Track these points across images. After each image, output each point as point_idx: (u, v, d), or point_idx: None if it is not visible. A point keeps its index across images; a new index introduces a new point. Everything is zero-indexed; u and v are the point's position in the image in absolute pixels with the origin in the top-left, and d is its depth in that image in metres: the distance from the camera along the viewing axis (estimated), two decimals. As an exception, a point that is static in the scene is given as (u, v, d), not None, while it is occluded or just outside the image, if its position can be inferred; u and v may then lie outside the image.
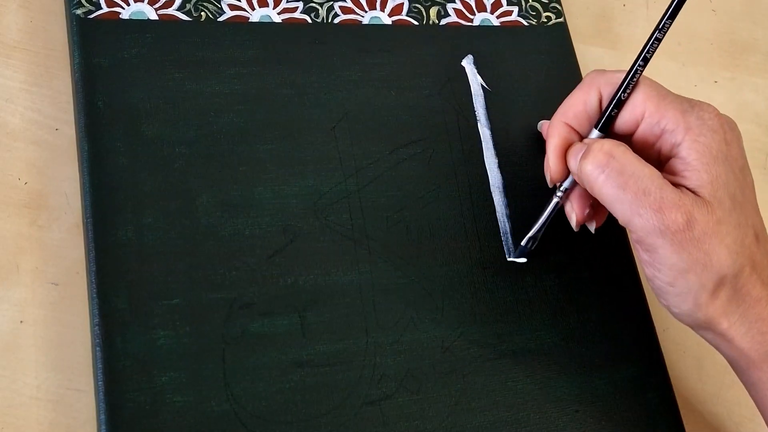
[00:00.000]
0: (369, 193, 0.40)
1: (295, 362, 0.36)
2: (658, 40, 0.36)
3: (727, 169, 0.34)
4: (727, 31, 0.57)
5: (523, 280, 0.41)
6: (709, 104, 0.36)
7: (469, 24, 0.46)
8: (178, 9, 0.41)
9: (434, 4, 0.46)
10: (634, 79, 0.36)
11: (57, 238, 0.38)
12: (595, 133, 0.38)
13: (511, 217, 0.42)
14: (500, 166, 0.43)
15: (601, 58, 0.52)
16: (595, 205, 0.39)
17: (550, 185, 0.40)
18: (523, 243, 0.41)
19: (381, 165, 0.41)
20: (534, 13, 0.48)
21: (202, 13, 0.41)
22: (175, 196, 0.37)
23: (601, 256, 0.43)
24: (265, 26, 0.42)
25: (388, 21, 0.45)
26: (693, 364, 0.46)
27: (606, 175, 0.34)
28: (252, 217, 0.38)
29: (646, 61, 0.36)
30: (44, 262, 0.37)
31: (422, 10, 0.45)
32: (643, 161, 0.34)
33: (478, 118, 0.44)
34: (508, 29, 0.47)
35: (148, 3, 0.40)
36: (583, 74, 0.47)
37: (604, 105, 0.37)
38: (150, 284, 0.35)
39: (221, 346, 0.35)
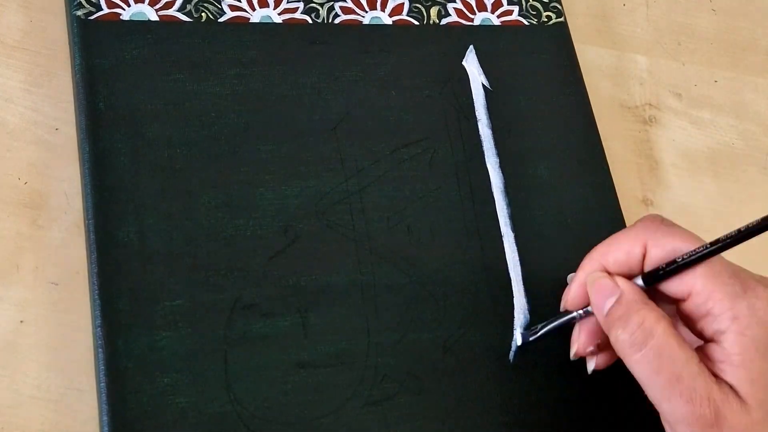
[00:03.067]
0: (370, 194, 0.40)
1: (296, 363, 0.36)
2: (734, 243, 0.33)
3: None
4: (727, 31, 0.57)
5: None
6: (766, 289, 0.32)
7: (470, 23, 0.46)
8: (179, 10, 0.41)
9: (435, 3, 0.46)
10: (695, 259, 0.33)
11: (57, 237, 0.38)
12: (638, 282, 0.35)
13: (513, 216, 0.42)
14: (501, 166, 0.43)
15: (601, 58, 0.51)
16: (602, 347, 0.36)
17: (561, 309, 0.37)
18: (528, 336, 0.39)
19: (382, 165, 0.41)
20: (534, 13, 0.48)
21: (203, 14, 0.41)
22: (176, 197, 0.37)
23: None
24: (266, 27, 0.42)
25: (388, 21, 0.44)
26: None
27: (642, 355, 0.32)
28: (253, 218, 0.38)
29: (713, 253, 0.33)
30: (44, 262, 0.37)
31: (423, 9, 0.45)
32: (682, 340, 0.32)
33: (479, 118, 0.44)
34: (508, 28, 0.47)
35: (149, 4, 0.40)
36: (584, 74, 0.47)
37: (648, 261, 0.34)
38: (151, 285, 0.35)
39: (223, 347, 0.35)
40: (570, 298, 0.36)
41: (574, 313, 0.36)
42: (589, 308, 0.36)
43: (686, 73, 0.54)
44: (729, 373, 0.32)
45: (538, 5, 0.48)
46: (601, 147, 0.46)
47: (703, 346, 0.33)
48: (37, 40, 0.41)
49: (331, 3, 0.44)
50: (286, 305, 0.37)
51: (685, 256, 0.33)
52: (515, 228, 0.42)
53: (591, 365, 0.37)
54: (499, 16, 0.47)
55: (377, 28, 0.44)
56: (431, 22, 0.45)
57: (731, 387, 0.31)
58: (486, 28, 0.46)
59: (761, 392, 0.31)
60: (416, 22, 0.45)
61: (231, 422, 0.34)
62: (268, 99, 0.40)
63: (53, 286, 0.37)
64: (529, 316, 0.41)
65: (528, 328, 0.40)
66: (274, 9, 0.43)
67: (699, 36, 0.56)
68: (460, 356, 0.39)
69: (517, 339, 0.40)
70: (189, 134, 0.38)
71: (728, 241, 0.32)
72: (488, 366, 0.39)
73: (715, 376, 0.32)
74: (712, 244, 0.33)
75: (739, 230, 0.32)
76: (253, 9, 0.42)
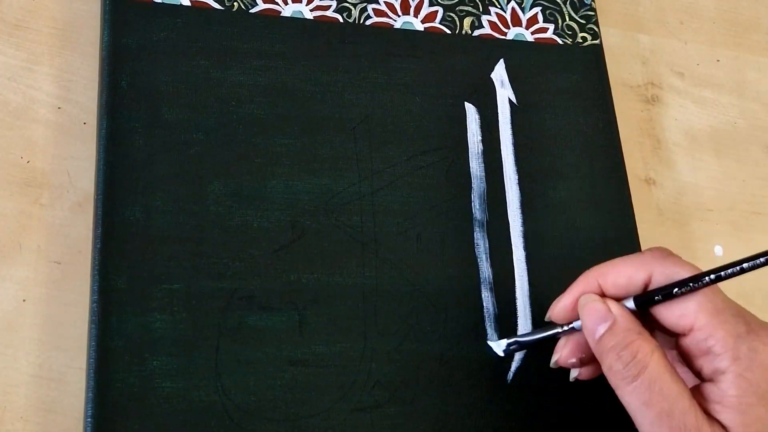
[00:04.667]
0: (382, 198, 0.40)
1: (289, 360, 0.35)
2: (741, 271, 0.32)
3: None
4: (729, 10, 0.56)
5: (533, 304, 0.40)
6: None
7: (502, 37, 0.45)
8: (211, -4, 0.41)
9: (469, 14, 0.45)
10: (694, 286, 0.32)
11: (59, 216, 0.38)
12: (629, 304, 0.34)
13: (526, 235, 0.42)
14: (520, 182, 0.42)
15: (603, 37, 0.49)
16: (585, 361, 0.35)
17: (546, 319, 0.36)
18: (506, 341, 0.38)
19: (397, 170, 0.41)
20: (570, 33, 0.47)
21: (235, 3, 0.41)
22: (187, 181, 0.37)
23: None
24: (296, 21, 0.42)
25: (420, 27, 0.44)
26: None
27: (633, 387, 0.31)
28: (262, 210, 0.38)
29: (718, 279, 0.32)
30: (47, 241, 0.37)
31: (456, 19, 0.45)
32: (675, 374, 0.32)
33: (501, 132, 0.43)
34: (541, 46, 0.46)
35: (182, -12, 0.40)
36: (615, 99, 0.47)
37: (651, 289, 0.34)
38: (152, 267, 0.35)
39: (216, 335, 0.35)
40: (557, 309, 0.35)
41: (559, 329, 0.36)
42: (573, 325, 0.35)
43: (689, 52, 0.53)
44: (723, 414, 0.31)
45: (575, 26, 0.47)
46: (624, 172, 0.45)
47: (699, 385, 0.33)
48: (39, 19, 0.41)
49: (364, 4, 0.43)
50: (285, 301, 0.36)
51: (682, 285, 0.32)
52: (527, 247, 0.41)
53: (574, 374, 0.36)
54: (533, 33, 0.46)
55: (408, 33, 0.44)
56: (463, 32, 0.45)
57: (723, 427, 0.31)
58: (518, 44, 0.45)
59: None
60: (448, 31, 0.44)
61: (216, 412, 0.34)
62: (289, 93, 0.40)
63: (56, 265, 0.37)
64: (533, 338, 0.40)
65: (508, 338, 0.38)
66: (307, 5, 0.42)
67: (701, 15, 0.55)
68: (457, 371, 0.38)
69: (498, 351, 0.38)
70: (207, 120, 0.38)
71: (728, 272, 0.32)
72: (484, 384, 0.38)
73: (708, 415, 0.31)
74: (709, 272, 0.32)
75: (742, 267, 0.32)
76: (286, 3, 0.42)
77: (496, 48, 0.45)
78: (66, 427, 0.34)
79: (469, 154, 0.42)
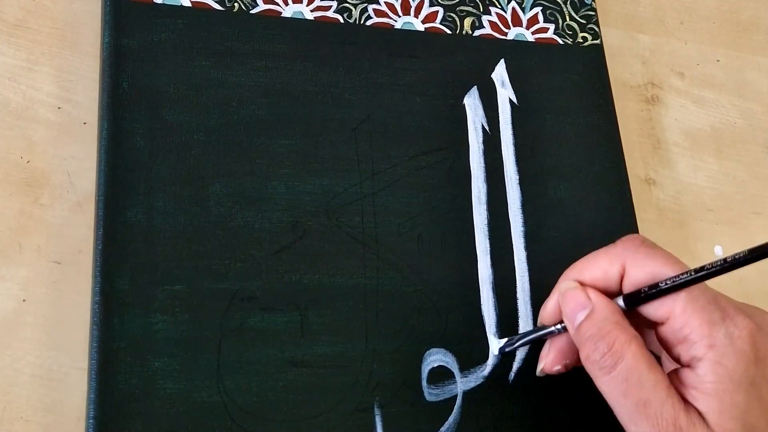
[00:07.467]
0: (384, 198, 0.40)
1: (290, 361, 0.35)
2: (720, 272, 0.32)
3: (751, 396, 0.31)
4: (730, 10, 0.56)
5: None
6: (745, 318, 0.31)
7: (503, 37, 0.45)
8: (212, -3, 0.41)
9: (469, 14, 0.45)
10: (679, 285, 0.32)
11: (59, 216, 0.37)
12: (620, 302, 0.34)
13: (527, 235, 0.42)
14: (521, 182, 0.43)
15: (603, 37, 0.49)
16: (569, 367, 0.36)
17: (537, 324, 0.37)
18: (499, 345, 0.39)
19: (399, 170, 0.41)
20: (570, 32, 0.47)
21: (235, 4, 0.41)
22: (188, 182, 0.37)
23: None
24: (297, 22, 0.42)
25: (420, 27, 0.44)
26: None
27: (610, 378, 0.32)
28: (263, 211, 0.38)
29: (696, 281, 0.32)
30: (47, 241, 0.37)
31: (456, 19, 0.45)
32: (652, 363, 0.32)
33: (502, 133, 0.43)
34: (541, 46, 0.46)
35: (183, -11, 0.40)
36: (615, 99, 0.47)
37: (627, 283, 0.34)
38: (154, 268, 0.35)
39: (218, 336, 0.35)
40: (546, 313, 0.36)
41: (552, 328, 0.36)
42: (561, 325, 0.35)
43: (689, 52, 0.54)
44: (700, 401, 0.31)
45: (575, 25, 0.47)
46: (625, 173, 0.45)
47: (678, 369, 0.33)
48: (39, 19, 0.41)
49: (365, 5, 0.43)
50: (286, 301, 0.36)
51: (668, 281, 0.32)
52: (528, 247, 0.41)
53: (540, 366, 0.37)
54: (533, 33, 0.46)
55: (408, 34, 0.44)
56: (464, 32, 0.45)
57: (700, 414, 0.31)
58: (519, 44, 0.46)
59: (730, 423, 0.30)
60: (448, 31, 0.44)
61: (218, 413, 0.34)
62: (290, 94, 0.40)
63: (56, 265, 0.37)
64: (534, 338, 0.40)
65: (507, 337, 0.39)
66: (307, 5, 0.42)
67: (702, 15, 0.55)
68: (457, 371, 0.38)
69: (494, 349, 0.39)
70: (208, 121, 0.38)
71: (714, 269, 0.31)
72: (486, 384, 0.38)
73: (686, 401, 0.31)
74: (696, 271, 0.32)
75: (725, 260, 0.31)
76: (286, 4, 0.42)
77: (496, 48, 0.45)
78: (67, 428, 0.34)
79: (470, 154, 0.42)
